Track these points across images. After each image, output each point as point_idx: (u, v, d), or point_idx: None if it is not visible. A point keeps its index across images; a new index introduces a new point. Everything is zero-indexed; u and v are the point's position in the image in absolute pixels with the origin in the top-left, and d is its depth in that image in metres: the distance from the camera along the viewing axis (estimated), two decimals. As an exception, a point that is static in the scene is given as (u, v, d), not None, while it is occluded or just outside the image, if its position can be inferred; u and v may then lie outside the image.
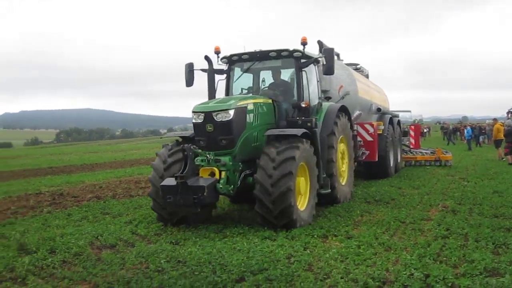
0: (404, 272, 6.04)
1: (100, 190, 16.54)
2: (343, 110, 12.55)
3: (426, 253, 6.98)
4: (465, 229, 8.49)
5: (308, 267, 6.55)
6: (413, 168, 20.87)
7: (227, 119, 9.19)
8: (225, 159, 9.17)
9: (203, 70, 11.29)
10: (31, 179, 22.33)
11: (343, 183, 12.20)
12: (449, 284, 5.58)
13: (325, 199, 11.01)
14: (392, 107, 21.96)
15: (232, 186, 9.22)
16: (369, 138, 15.73)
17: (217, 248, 7.60)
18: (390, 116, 18.56)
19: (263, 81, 11.79)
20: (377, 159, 16.12)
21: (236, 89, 11.62)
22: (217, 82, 11.35)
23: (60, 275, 6.54)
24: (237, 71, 11.56)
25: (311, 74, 11.36)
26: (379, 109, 17.87)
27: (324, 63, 10.43)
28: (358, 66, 18.89)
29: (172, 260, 6.95)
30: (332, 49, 10.44)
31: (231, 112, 9.22)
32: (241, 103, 9.53)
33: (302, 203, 9.54)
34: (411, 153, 22.20)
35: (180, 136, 10.59)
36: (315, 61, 11.08)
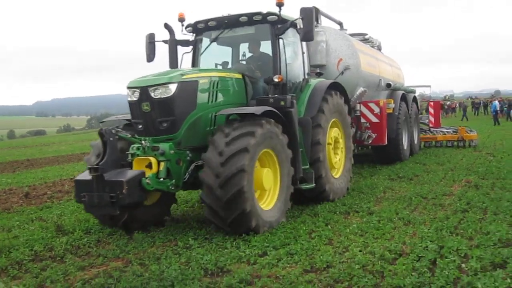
0: (420, 244, 6.29)
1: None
2: (336, 87, 10.47)
3: (444, 226, 7.19)
4: (485, 203, 8.65)
5: (328, 242, 6.85)
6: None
7: (166, 95, 7.37)
8: (164, 146, 7.30)
9: (164, 41, 9.61)
10: (65, 165, 23.05)
11: (336, 176, 10.18)
12: (462, 255, 5.81)
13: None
14: (418, 82, 21.11)
15: (174, 180, 7.38)
16: (374, 119, 13.97)
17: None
18: (402, 92, 16.34)
19: (244, 54, 10.04)
20: (386, 142, 14.28)
21: (206, 63, 9.64)
22: (182, 56, 9.60)
23: (95, 253, 6.97)
24: (206, 41, 9.62)
25: (293, 43, 9.73)
26: (388, 85, 15.50)
27: (301, 26, 8.56)
28: (366, 37, 16.91)
29: (199, 238, 7.33)
30: (311, 9, 8.47)
31: (172, 86, 7.40)
32: (188, 77, 7.70)
33: (269, 201, 7.87)
34: (431, 132, 20.14)
35: (125, 120, 8.46)
36: (292, 25, 8.92)
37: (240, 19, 8.94)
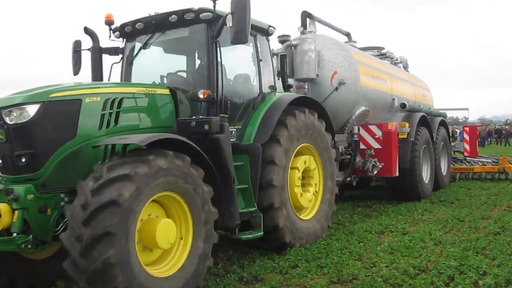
0: (444, 262, 6.67)
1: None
2: (308, 103, 8.58)
3: (471, 246, 7.51)
4: (519, 227, 8.87)
5: (358, 257, 7.31)
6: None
7: (23, 120, 5.41)
8: (18, 189, 5.30)
9: (89, 49, 7.93)
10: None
11: (306, 217, 8.26)
12: (481, 272, 6.17)
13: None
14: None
15: (32, 235, 5.27)
16: (376, 145, 11.53)
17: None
18: (422, 114, 13.74)
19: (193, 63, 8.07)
20: (397, 174, 11.84)
21: (142, 76, 7.71)
22: (111, 67, 7.79)
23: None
24: (138, 48, 7.75)
25: (244, 48, 7.85)
26: (403, 105, 12.95)
27: (230, 24, 6.52)
28: (383, 51, 14.99)
29: (238, 250, 7.95)
30: (243, 0, 6.41)
31: (32, 108, 5.43)
32: (61, 94, 5.67)
33: (171, 266, 5.60)
34: (467, 162, 17.65)
35: None
36: (224, 22, 6.73)
37: (169, 18, 7.18)
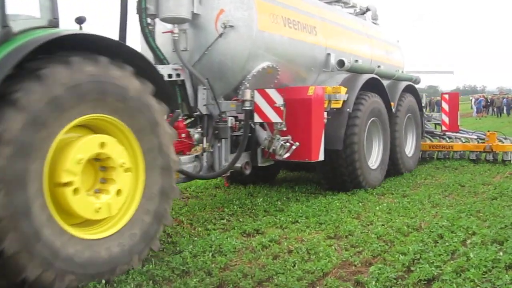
0: (436, 223, 7.00)
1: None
2: (101, 47, 5.04)
3: (466, 209, 7.82)
4: (517, 193, 9.14)
5: (356, 216, 7.66)
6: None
7: None
8: None
9: None
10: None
11: (97, 235, 4.88)
12: (470, 232, 6.49)
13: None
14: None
15: None
16: (274, 118, 7.90)
17: (283, 199, 8.91)
18: (371, 76, 10.32)
19: None
20: (320, 158, 8.57)
21: None
22: None
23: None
24: None
25: None
26: (341, 63, 9.57)
27: None
28: None
29: (244, 206, 8.35)
30: None
31: None
32: None
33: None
34: (447, 138, 14.42)
35: None
36: None
37: None
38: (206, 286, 4.83)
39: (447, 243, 5.99)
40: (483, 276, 4.92)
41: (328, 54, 9.64)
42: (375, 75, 10.66)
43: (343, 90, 9.25)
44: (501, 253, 5.52)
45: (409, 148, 12.47)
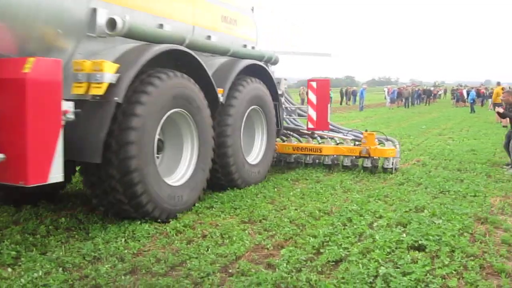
0: (346, 207, 7.28)
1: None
2: None
3: (374, 194, 8.19)
4: (422, 178, 9.65)
5: (271, 201, 7.81)
6: (410, 125, 21.76)
7: None
8: None
9: None
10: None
11: None
12: (377, 216, 6.82)
13: None
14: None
15: None
16: None
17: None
18: (167, 49, 6.76)
19: None
20: (58, 179, 5.31)
21: None
22: None
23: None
24: None
25: None
26: (112, 23, 6.32)
27: None
28: None
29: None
30: None
31: None
32: None
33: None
34: (319, 139, 11.35)
35: None
36: None
37: None
38: (118, 272, 4.77)
39: (355, 226, 6.26)
40: (387, 256, 5.19)
41: (94, 10, 6.17)
42: (185, 47, 7.22)
43: (109, 67, 5.84)
44: (404, 235, 5.85)
45: (255, 152, 9.41)
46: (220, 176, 8.29)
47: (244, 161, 8.72)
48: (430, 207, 7.24)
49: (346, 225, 6.36)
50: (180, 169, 7.23)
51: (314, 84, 10.90)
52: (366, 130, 11.10)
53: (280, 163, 11.16)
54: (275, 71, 11.03)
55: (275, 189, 8.61)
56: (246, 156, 8.87)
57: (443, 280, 4.65)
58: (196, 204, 7.37)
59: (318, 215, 6.89)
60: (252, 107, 9.02)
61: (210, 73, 7.72)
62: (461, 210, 7.07)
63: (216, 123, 8.02)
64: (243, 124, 8.70)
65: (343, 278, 4.59)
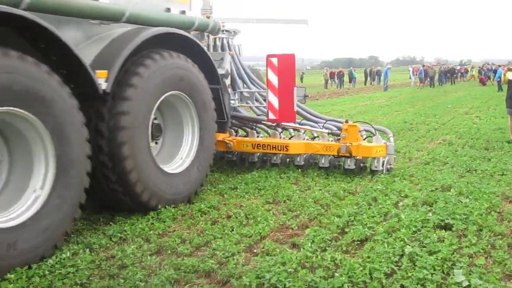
0: (371, 186, 7.23)
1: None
2: None
3: (400, 174, 8.10)
4: (448, 157, 9.52)
5: (295, 182, 7.79)
6: (436, 104, 21.45)
7: None
8: None
9: None
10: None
11: None
12: (403, 195, 6.75)
13: None
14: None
15: None
16: None
17: (223, 168, 8.98)
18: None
19: None
20: None
21: None
22: None
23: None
24: None
25: None
26: None
27: None
28: None
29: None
30: None
31: None
32: None
33: None
34: (290, 133, 9.28)
35: None
36: None
37: None
38: (144, 252, 4.83)
39: (380, 206, 6.20)
40: (413, 235, 5.14)
41: None
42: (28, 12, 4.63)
43: None
44: (430, 214, 5.78)
45: (180, 156, 6.90)
46: (121, 196, 5.91)
47: (157, 170, 6.16)
48: (456, 186, 7.12)
49: (371, 205, 6.31)
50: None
51: (274, 60, 8.21)
52: (346, 121, 8.61)
53: (244, 163, 8.96)
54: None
55: (299, 170, 8.57)
56: (163, 164, 6.44)
57: (471, 259, 4.59)
58: (221, 186, 7.40)
59: (343, 195, 6.86)
60: (170, 93, 6.40)
61: (85, 50, 5.66)
62: (488, 189, 6.95)
63: (105, 125, 5.64)
64: (151, 121, 6.13)
65: (368, 257, 4.56)
